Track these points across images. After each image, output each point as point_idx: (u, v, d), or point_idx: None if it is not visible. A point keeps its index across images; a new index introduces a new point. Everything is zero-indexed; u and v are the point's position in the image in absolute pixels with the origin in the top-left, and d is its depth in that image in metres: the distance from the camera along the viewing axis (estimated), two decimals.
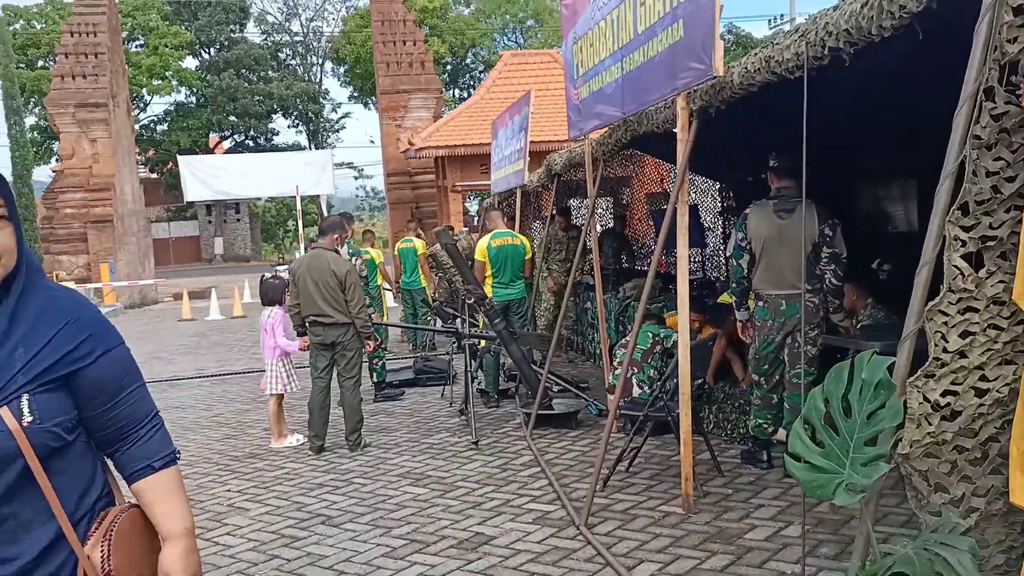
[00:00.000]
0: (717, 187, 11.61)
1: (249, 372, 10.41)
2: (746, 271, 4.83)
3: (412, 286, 11.20)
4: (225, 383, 10.09)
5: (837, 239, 4.67)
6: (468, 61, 45.34)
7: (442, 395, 8.13)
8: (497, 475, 5.28)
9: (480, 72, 44.74)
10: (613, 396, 6.15)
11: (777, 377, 4.90)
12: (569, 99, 6.39)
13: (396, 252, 11.52)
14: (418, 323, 11.23)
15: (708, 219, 11.72)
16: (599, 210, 14.29)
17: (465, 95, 40.97)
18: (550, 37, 42.72)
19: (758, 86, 3.56)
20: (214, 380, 10.36)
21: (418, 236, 11.76)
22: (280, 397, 6.43)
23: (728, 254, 4.88)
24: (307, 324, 6.11)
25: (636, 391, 6.08)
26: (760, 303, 4.82)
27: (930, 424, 2.24)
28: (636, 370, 6.14)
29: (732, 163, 9.64)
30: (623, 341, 6.41)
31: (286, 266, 18.06)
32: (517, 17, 44.61)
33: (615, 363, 6.27)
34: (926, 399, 2.25)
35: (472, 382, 6.59)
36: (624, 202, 14.79)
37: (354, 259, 7.78)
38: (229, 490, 5.33)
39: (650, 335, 6.32)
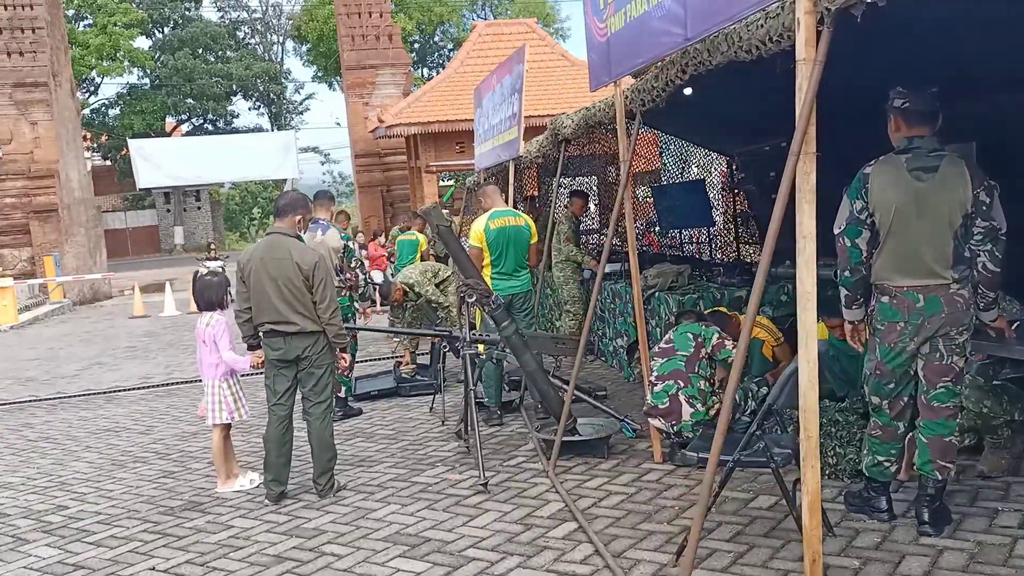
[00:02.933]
0: (725, 162, 10.40)
1: (200, 381, 8.92)
2: (864, 254, 3.50)
3: None
4: (172, 395, 8.61)
5: (995, 208, 3.35)
6: (436, 39, 43.60)
7: (431, 409, 6.75)
8: (520, 536, 3.91)
9: (449, 50, 43.04)
10: (656, 421, 4.83)
11: (906, 399, 3.58)
12: (591, 39, 4.99)
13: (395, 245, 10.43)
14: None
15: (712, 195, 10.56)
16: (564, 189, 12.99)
17: (434, 75, 39.25)
18: (521, 13, 41.09)
19: None
20: (159, 392, 8.86)
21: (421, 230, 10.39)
22: (226, 427, 5.00)
23: (837, 230, 3.53)
24: (262, 334, 4.68)
25: (686, 410, 4.76)
26: (884, 298, 3.49)
27: None
28: (682, 383, 4.82)
29: (745, 129, 8.37)
30: (659, 347, 5.07)
31: (219, 262, 16.21)
32: None
33: (653, 376, 4.93)
34: None
35: (472, 400, 5.20)
36: (611, 181, 13.51)
37: (350, 243, 6.37)
38: (154, 568, 3.90)
39: (690, 336, 5.01)
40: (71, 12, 34.87)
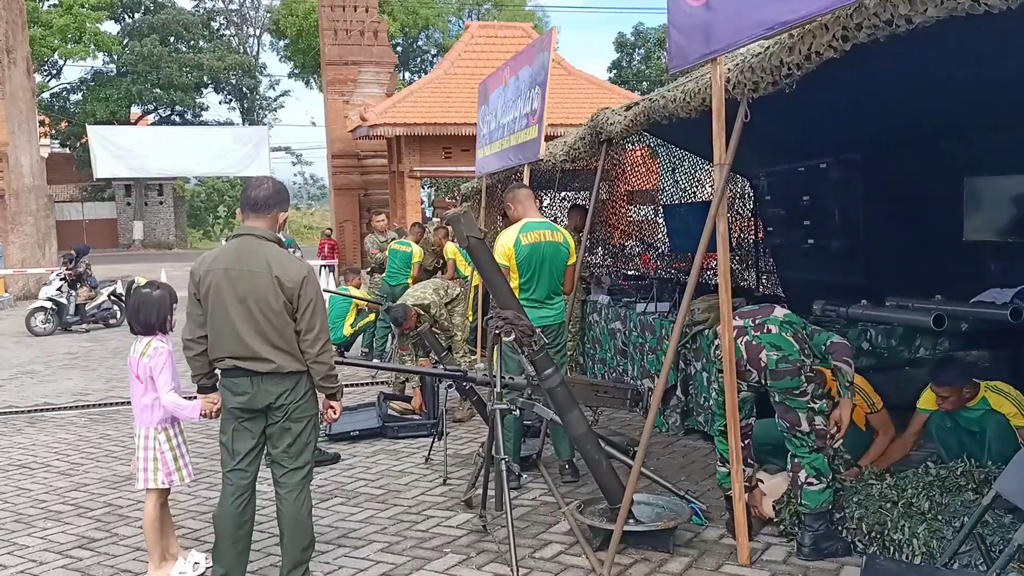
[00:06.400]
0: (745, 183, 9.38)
1: None
2: None
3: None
4: (108, 420, 7.22)
5: None
6: (420, 43, 42.37)
7: (427, 459, 5.50)
8: None
9: (433, 55, 41.86)
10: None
11: None
12: (679, 4, 3.82)
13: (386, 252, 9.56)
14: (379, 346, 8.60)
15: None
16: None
17: (416, 79, 38.01)
18: (511, 20, 40.08)
19: None
20: (93, 414, 7.46)
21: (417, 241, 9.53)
22: (163, 493, 3.69)
23: None
24: (219, 372, 3.40)
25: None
26: None
27: None
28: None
29: (778, 148, 7.33)
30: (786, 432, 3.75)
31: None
32: None
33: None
34: None
35: (493, 465, 3.95)
36: (602, 197, 12.41)
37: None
38: None
39: None
40: None
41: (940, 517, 3.59)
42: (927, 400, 4.37)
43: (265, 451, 3.44)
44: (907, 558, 3.45)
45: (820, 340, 3.82)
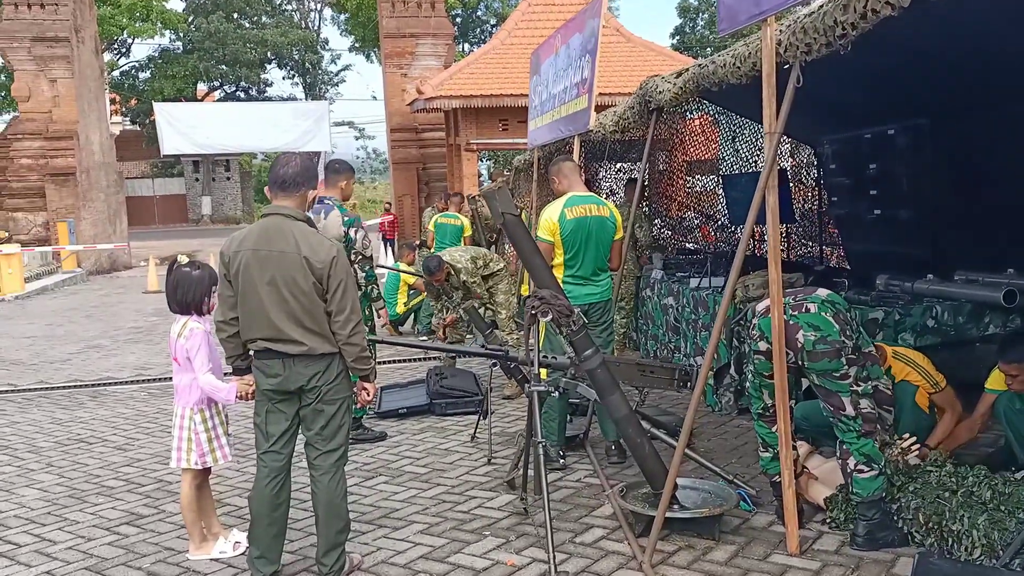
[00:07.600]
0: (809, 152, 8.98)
1: None
2: None
3: None
4: (168, 394, 7.35)
5: None
6: (479, 14, 42.00)
7: (472, 437, 5.44)
8: None
9: (492, 26, 41.47)
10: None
11: None
12: None
13: (432, 227, 9.87)
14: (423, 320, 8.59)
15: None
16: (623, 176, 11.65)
17: (476, 51, 37.78)
18: None
19: None
20: (153, 389, 7.64)
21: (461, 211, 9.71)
22: (199, 474, 3.70)
23: None
24: (252, 354, 3.37)
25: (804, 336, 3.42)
26: None
27: None
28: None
29: (843, 114, 6.95)
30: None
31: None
32: None
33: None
34: None
35: (532, 448, 3.85)
36: (660, 168, 12.05)
37: (351, 230, 5.04)
38: None
39: None
40: None
41: (1003, 507, 3.35)
42: (996, 380, 4.10)
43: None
44: (966, 550, 3.24)
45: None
